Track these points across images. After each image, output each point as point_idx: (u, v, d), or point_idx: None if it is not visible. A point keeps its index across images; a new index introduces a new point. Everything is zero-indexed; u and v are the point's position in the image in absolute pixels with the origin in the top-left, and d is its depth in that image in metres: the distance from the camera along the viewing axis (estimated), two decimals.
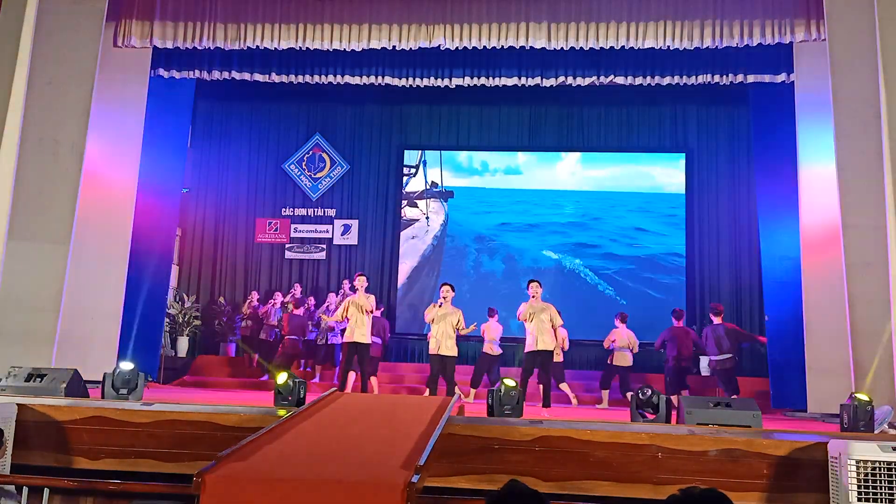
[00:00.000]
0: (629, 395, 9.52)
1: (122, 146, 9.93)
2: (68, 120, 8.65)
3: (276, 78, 11.05)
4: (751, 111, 11.42)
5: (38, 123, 8.47)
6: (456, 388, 8.71)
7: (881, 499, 4.44)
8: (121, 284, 9.68)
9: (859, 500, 4.46)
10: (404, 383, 11.52)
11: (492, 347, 10.32)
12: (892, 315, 7.07)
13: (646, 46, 9.53)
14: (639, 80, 10.54)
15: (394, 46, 9.87)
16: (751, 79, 10.27)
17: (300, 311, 11.42)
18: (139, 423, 5.50)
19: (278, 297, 12.32)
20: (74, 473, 5.28)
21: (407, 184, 13.61)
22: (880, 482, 4.46)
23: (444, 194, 13.54)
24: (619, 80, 10.56)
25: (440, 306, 8.92)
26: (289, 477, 3.99)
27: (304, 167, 13.77)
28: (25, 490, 4.53)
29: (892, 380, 6.97)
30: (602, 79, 10.56)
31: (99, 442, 5.47)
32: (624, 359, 10.27)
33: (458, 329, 8.80)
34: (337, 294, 12.20)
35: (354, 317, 8.87)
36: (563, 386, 10.15)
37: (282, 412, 5.59)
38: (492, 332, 10.37)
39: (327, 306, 11.71)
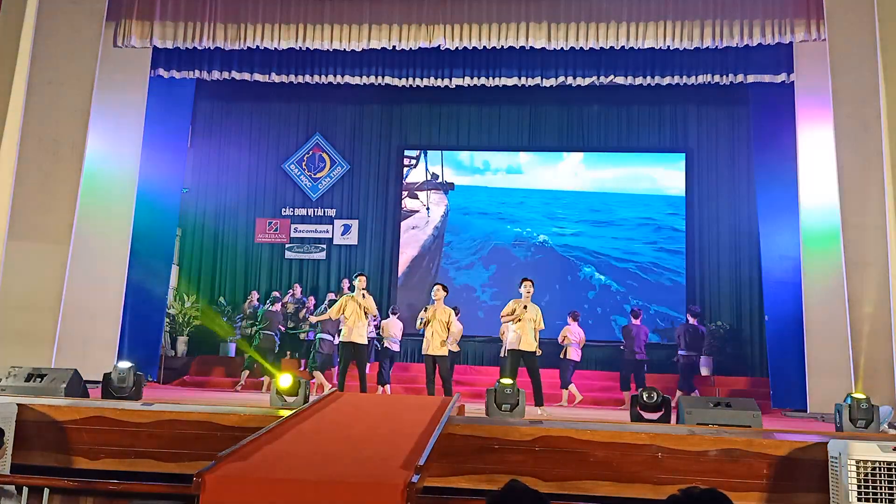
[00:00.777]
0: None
1: (122, 146, 9.94)
2: (68, 120, 8.66)
3: (276, 78, 11.06)
4: (751, 111, 11.43)
5: (38, 123, 8.48)
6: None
7: (881, 499, 4.44)
8: (121, 284, 9.69)
9: (859, 500, 4.46)
10: (405, 384, 11.52)
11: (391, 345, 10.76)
12: (892, 315, 7.07)
13: (646, 46, 9.54)
14: (639, 80, 10.56)
15: (394, 46, 9.87)
16: (751, 79, 10.28)
17: (276, 308, 11.41)
18: (139, 423, 5.50)
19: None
20: (74, 473, 5.28)
21: (408, 175, 13.61)
22: (880, 482, 4.46)
23: (445, 186, 13.54)
24: (619, 80, 10.58)
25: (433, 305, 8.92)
26: (289, 477, 3.99)
27: (304, 167, 13.77)
28: (25, 490, 4.53)
29: (893, 380, 6.97)
30: (602, 79, 10.58)
31: (99, 442, 5.47)
32: (576, 353, 10.48)
33: (449, 326, 8.76)
34: (336, 294, 12.20)
35: (353, 317, 8.83)
36: (571, 388, 10.29)
37: (282, 413, 5.59)
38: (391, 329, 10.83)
39: (307, 308, 11.81)
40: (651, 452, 5.09)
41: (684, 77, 10.45)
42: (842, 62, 8.03)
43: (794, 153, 9.29)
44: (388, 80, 10.93)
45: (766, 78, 10.16)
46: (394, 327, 10.88)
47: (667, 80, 10.52)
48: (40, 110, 8.49)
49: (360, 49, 9.91)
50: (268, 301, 11.66)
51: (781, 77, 10.00)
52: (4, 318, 8.05)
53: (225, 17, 9.90)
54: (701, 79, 10.40)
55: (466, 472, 5.13)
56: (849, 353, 7.54)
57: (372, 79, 10.94)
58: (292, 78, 11.07)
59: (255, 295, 12.50)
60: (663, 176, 13.07)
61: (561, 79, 10.63)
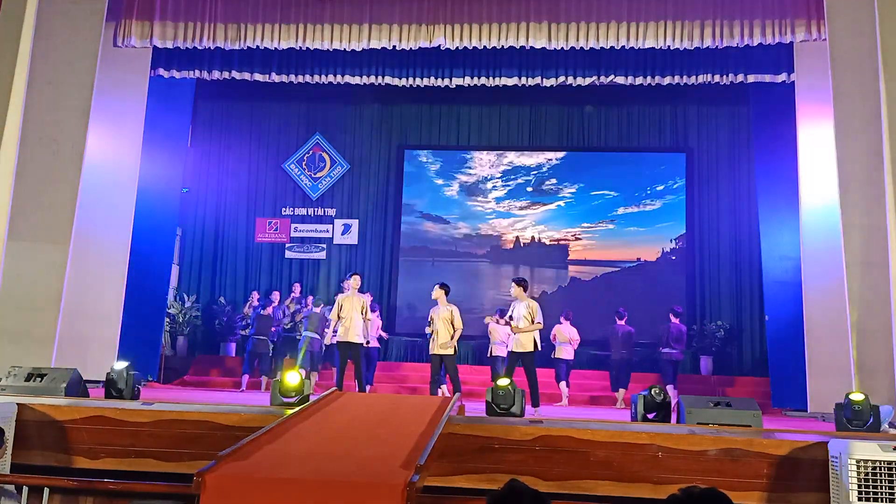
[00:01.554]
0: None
1: (122, 146, 9.94)
2: (68, 120, 8.66)
3: (276, 78, 11.05)
4: (751, 111, 11.43)
5: (38, 123, 8.47)
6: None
7: (881, 498, 4.44)
8: (121, 284, 9.69)
9: (859, 499, 4.46)
10: (406, 383, 11.52)
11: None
12: (892, 315, 7.07)
13: (646, 46, 9.54)
14: (639, 80, 10.55)
15: (394, 46, 9.87)
16: (751, 78, 10.27)
17: (268, 311, 11.40)
18: (139, 423, 5.51)
19: (276, 297, 12.27)
20: (74, 473, 5.28)
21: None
22: (880, 482, 4.46)
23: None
24: (619, 80, 10.57)
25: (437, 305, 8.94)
26: (289, 477, 3.99)
27: (304, 167, 13.77)
28: (25, 490, 4.53)
29: (893, 380, 6.97)
30: (602, 79, 10.57)
31: (99, 441, 5.47)
32: (567, 352, 10.51)
33: (453, 324, 8.77)
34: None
35: (349, 317, 8.84)
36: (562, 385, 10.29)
37: (288, 412, 5.58)
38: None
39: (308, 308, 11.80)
40: (651, 452, 5.10)
41: (684, 77, 10.44)
42: (842, 62, 8.03)
43: (795, 153, 9.29)
44: (387, 80, 10.92)
45: (767, 78, 10.16)
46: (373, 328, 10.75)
47: (667, 80, 10.51)
48: (40, 110, 8.48)
49: (360, 49, 9.91)
50: (258, 306, 11.67)
51: (782, 77, 9.99)
52: (4, 318, 8.04)
53: (225, 17, 9.89)
54: (701, 79, 10.39)
55: (466, 472, 5.13)
56: (849, 353, 7.53)
57: (372, 79, 10.93)
58: (292, 78, 11.06)
59: (255, 296, 12.49)
60: (663, 176, 13.06)
61: (561, 79, 10.62)
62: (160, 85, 10.71)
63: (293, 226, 13.62)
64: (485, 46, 9.80)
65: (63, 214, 8.48)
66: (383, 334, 11.26)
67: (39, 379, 6.58)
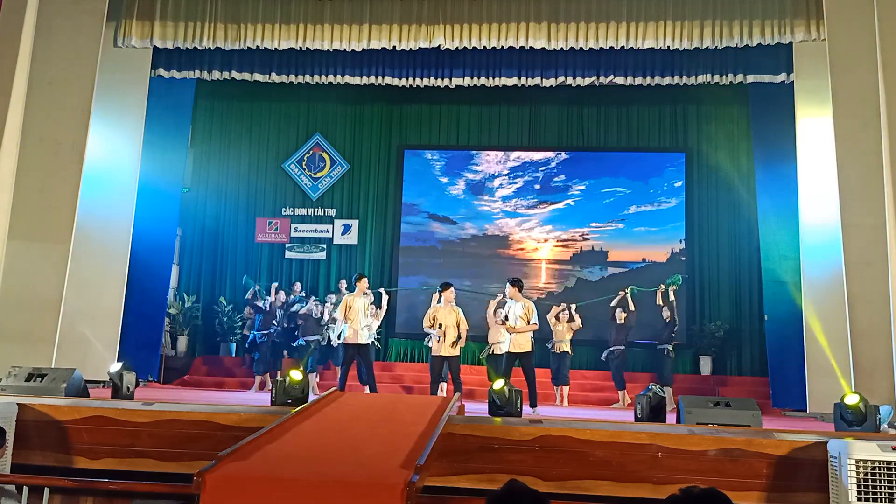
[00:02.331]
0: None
1: (122, 146, 9.95)
2: (68, 120, 8.66)
3: (276, 78, 11.07)
4: (751, 111, 11.42)
5: (39, 123, 8.47)
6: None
7: (881, 499, 4.44)
8: (121, 284, 9.70)
9: (859, 499, 4.46)
10: (402, 382, 11.53)
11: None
12: (892, 315, 7.07)
13: (646, 46, 9.54)
14: (639, 80, 10.55)
15: (394, 46, 9.87)
16: (751, 79, 10.28)
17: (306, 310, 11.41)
18: (139, 423, 5.51)
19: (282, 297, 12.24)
20: (74, 473, 5.28)
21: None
22: (880, 482, 4.46)
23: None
24: (619, 80, 10.58)
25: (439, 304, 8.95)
26: (289, 477, 3.99)
27: (304, 167, 13.77)
28: (25, 490, 4.53)
29: (892, 380, 6.97)
30: (602, 79, 10.58)
31: (99, 442, 5.47)
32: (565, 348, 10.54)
33: (459, 326, 8.77)
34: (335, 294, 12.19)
35: (357, 318, 8.83)
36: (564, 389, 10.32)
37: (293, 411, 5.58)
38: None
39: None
40: (651, 452, 5.10)
41: (684, 77, 10.45)
42: (842, 62, 8.03)
43: (794, 153, 9.30)
44: (388, 80, 10.93)
45: (766, 78, 10.17)
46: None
47: (667, 80, 10.52)
48: (40, 110, 8.48)
49: (360, 49, 9.91)
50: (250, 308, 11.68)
51: (781, 77, 10.00)
52: (4, 317, 8.04)
53: (225, 17, 9.90)
54: (701, 79, 10.40)
55: (466, 472, 5.13)
56: (849, 353, 7.54)
57: (372, 79, 10.94)
58: (292, 78, 11.07)
59: (297, 287, 12.49)
60: (663, 176, 13.06)
61: (561, 79, 10.63)
62: (160, 85, 10.72)
63: (293, 226, 13.62)
64: (485, 46, 9.81)
65: (63, 214, 8.48)
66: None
67: (39, 379, 6.58)
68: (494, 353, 10.10)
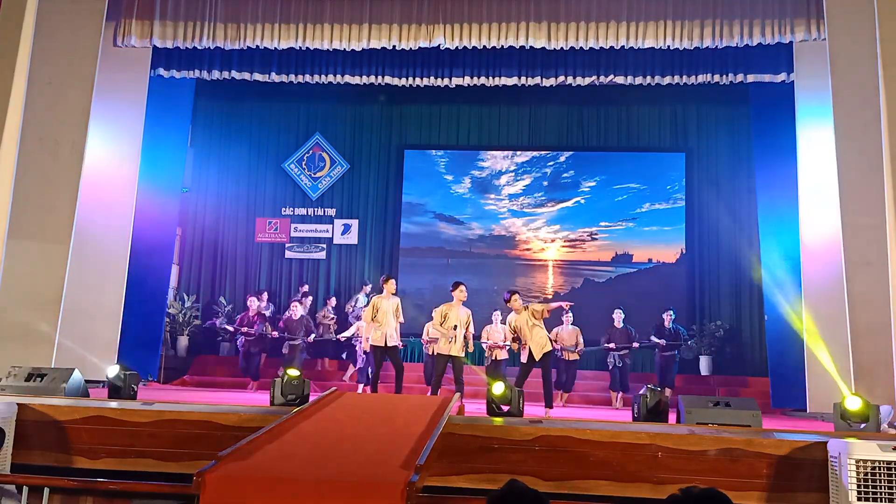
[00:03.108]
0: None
1: (122, 146, 9.94)
2: (68, 120, 8.66)
3: (276, 78, 11.07)
4: (751, 111, 11.42)
5: (38, 123, 8.48)
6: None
7: (881, 498, 4.44)
8: (121, 284, 9.69)
9: (859, 499, 4.46)
10: (403, 382, 11.49)
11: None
12: (892, 315, 7.07)
13: (646, 46, 9.54)
14: (639, 80, 10.56)
15: (394, 46, 9.87)
16: (751, 78, 10.28)
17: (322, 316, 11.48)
18: (139, 423, 5.50)
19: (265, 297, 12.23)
20: (74, 473, 5.27)
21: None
22: (880, 482, 4.46)
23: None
24: (619, 80, 10.58)
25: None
26: (289, 477, 3.99)
27: (304, 167, 13.77)
28: (25, 490, 4.52)
29: (892, 380, 6.97)
30: (602, 79, 10.58)
31: (99, 442, 5.47)
32: (570, 355, 10.49)
33: (467, 327, 8.71)
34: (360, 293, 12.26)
35: (385, 321, 8.66)
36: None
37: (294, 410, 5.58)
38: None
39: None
40: (651, 452, 5.10)
41: (684, 77, 10.46)
42: (842, 62, 8.03)
43: (794, 153, 9.29)
44: (387, 79, 10.94)
45: (766, 78, 10.17)
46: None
47: (667, 80, 10.52)
48: (40, 110, 8.49)
49: (360, 49, 9.91)
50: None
51: (781, 77, 10.00)
52: (4, 317, 8.04)
53: (225, 17, 9.90)
54: (701, 79, 10.41)
55: (466, 472, 5.13)
56: (849, 353, 7.54)
57: (372, 79, 10.94)
58: (292, 78, 11.07)
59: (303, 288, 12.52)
60: (663, 176, 13.06)
61: (561, 79, 10.63)
62: (160, 85, 10.71)
63: (293, 226, 13.63)
64: (485, 46, 9.81)
65: (63, 214, 8.48)
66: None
67: (39, 379, 6.59)
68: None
